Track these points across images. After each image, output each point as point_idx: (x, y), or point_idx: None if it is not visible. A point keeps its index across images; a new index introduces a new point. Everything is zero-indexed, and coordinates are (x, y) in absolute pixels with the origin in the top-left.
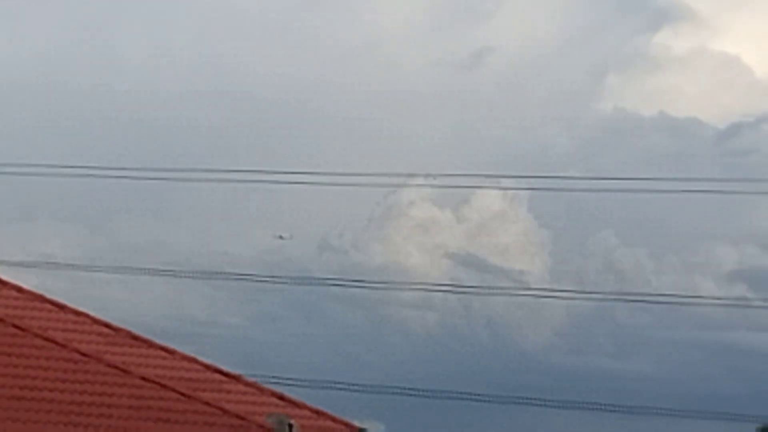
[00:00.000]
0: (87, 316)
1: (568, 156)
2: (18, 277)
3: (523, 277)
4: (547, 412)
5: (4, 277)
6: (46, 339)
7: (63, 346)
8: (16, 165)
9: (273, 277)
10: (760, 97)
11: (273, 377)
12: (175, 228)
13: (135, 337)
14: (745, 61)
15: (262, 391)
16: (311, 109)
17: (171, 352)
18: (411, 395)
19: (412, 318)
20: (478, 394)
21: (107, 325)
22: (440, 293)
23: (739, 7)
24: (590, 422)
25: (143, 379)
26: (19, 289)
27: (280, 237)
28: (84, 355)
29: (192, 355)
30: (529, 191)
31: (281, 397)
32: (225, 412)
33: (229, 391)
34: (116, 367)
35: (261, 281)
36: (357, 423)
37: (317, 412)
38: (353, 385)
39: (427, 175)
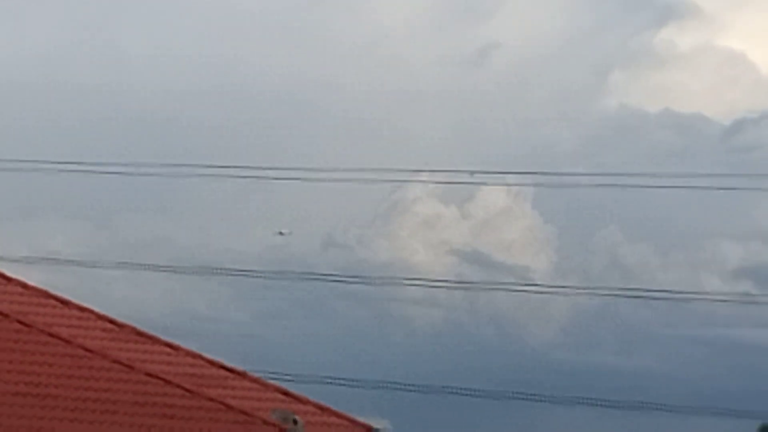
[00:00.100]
0: (91, 312)
1: (573, 152)
2: (22, 273)
3: (527, 274)
4: (551, 409)
5: (9, 273)
6: (51, 335)
7: (67, 342)
8: (19, 162)
9: (278, 273)
10: (765, 94)
11: (277, 373)
12: (180, 224)
13: (139, 333)
14: (751, 58)
15: (266, 387)
16: (315, 107)
17: (175, 348)
18: (416, 391)
19: (416, 314)
20: (483, 391)
21: (112, 321)
22: (445, 289)
23: (744, 4)
24: (595, 418)
25: (148, 375)
26: (24, 285)
27: (281, 233)
28: (88, 351)
29: (197, 351)
30: (534, 188)
31: (286, 393)
32: (230, 408)
33: (233, 387)
34: (121, 363)
35: (265, 278)
36: (362, 419)
37: (322, 408)
38: (358, 381)
39: (431, 172)
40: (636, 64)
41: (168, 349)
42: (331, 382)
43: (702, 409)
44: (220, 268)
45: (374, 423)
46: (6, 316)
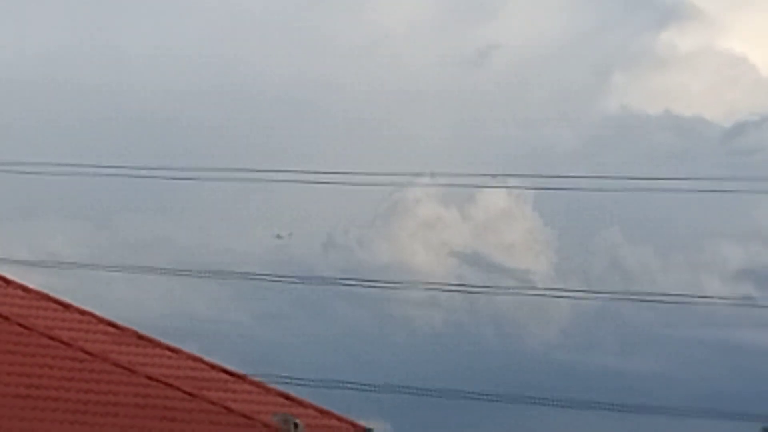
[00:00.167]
0: (92, 315)
1: (573, 154)
2: (23, 276)
3: (528, 276)
4: (552, 411)
5: (10, 276)
6: (52, 338)
7: (68, 345)
8: (20, 163)
9: (278, 275)
10: (766, 96)
11: (278, 376)
12: (180, 226)
13: (140, 336)
14: (751, 60)
15: (267, 390)
16: (315, 107)
17: (176, 351)
18: (416, 394)
19: (417, 316)
20: (484, 393)
21: (112, 324)
22: (445, 292)
23: (745, 6)
24: (595, 421)
25: (149, 378)
26: (25, 288)
27: (279, 236)
28: (89, 354)
29: (197, 354)
30: (535, 189)
31: (287, 397)
32: (230, 411)
33: (234, 391)
34: (122, 366)
35: (266, 279)
36: (362, 422)
37: (322, 412)
38: (359, 384)
39: (432, 174)
40: (636, 66)
41: (169, 352)
42: (332, 385)
43: (703, 411)
44: (221, 270)
45: (375, 425)
46: (6, 319)
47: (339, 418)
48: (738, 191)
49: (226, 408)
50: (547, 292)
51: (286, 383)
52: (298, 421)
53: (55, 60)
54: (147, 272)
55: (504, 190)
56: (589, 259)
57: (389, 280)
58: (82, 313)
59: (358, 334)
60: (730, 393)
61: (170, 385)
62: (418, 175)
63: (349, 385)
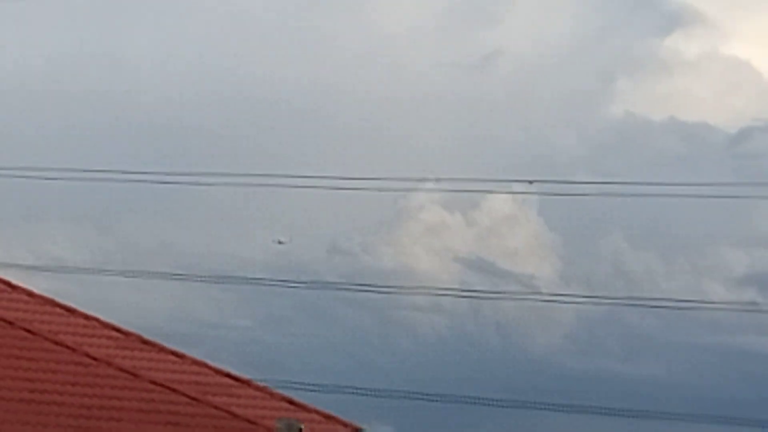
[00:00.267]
0: (97, 320)
1: (577, 160)
2: (28, 281)
3: (532, 281)
4: (556, 416)
5: (15, 281)
6: (56, 343)
7: (73, 349)
8: (24, 168)
9: (283, 280)
10: None
11: (283, 381)
12: (185, 231)
13: (145, 341)
14: (756, 66)
15: (271, 395)
16: (320, 113)
17: (181, 356)
18: (420, 399)
19: (421, 321)
20: (488, 398)
21: (117, 329)
22: (450, 297)
23: (750, 11)
24: (599, 426)
25: (153, 383)
26: (30, 293)
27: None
28: (94, 358)
29: (202, 359)
30: (539, 195)
31: (291, 401)
32: (234, 416)
33: (238, 396)
34: (126, 371)
35: (271, 284)
36: (366, 427)
37: (327, 416)
38: (363, 388)
39: (436, 179)
40: (641, 72)
41: (173, 357)
42: (336, 390)
43: (707, 416)
44: (225, 275)
45: (379, 430)
46: (11, 324)
47: (343, 423)
48: (743, 197)
49: (231, 413)
50: (552, 298)
51: (291, 388)
52: (302, 425)
53: (59, 66)
54: (151, 277)
55: (508, 195)
56: (593, 265)
57: (393, 285)
58: (87, 317)
59: (362, 339)
60: (735, 398)
61: (174, 390)
62: (422, 180)
63: (353, 390)
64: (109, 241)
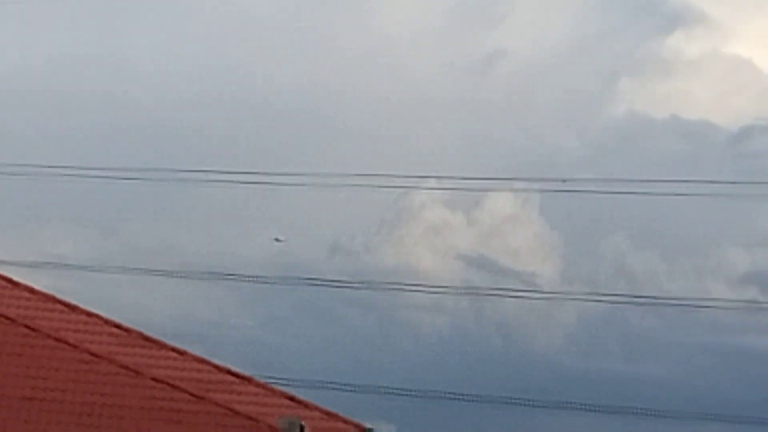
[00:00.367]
0: (98, 317)
1: (579, 159)
2: (30, 278)
3: (534, 280)
4: (557, 415)
5: (16, 278)
6: (58, 340)
7: (74, 346)
8: (27, 167)
9: (284, 279)
10: None
11: (284, 379)
12: (186, 230)
13: (146, 338)
14: (758, 65)
15: (273, 392)
16: (321, 114)
17: (182, 353)
18: (422, 397)
19: (423, 320)
20: (489, 396)
21: (118, 326)
22: (451, 295)
23: (751, 11)
24: (601, 425)
25: (154, 380)
26: (31, 290)
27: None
28: (95, 355)
29: (203, 356)
30: (541, 194)
31: (292, 399)
32: (236, 413)
33: (240, 393)
34: (127, 368)
35: (272, 283)
36: (368, 425)
37: (328, 414)
38: (364, 386)
39: (438, 178)
40: (643, 71)
41: (175, 354)
42: (337, 388)
43: (709, 416)
44: (227, 274)
45: (380, 428)
46: (13, 320)
47: (345, 421)
48: (745, 196)
49: (232, 410)
50: (553, 297)
51: (292, 386)
52: (303, 423)
53: (61, 67)
54: (153, 275)
55: (510, 194)
56: (595, 264)
57: (395, 283)
58: (89, 315)
59: (363, 337)
60: (736, 398)
61: (176, 387)
62: (424, 178)
63: (354, 388)
64: (111, 240)
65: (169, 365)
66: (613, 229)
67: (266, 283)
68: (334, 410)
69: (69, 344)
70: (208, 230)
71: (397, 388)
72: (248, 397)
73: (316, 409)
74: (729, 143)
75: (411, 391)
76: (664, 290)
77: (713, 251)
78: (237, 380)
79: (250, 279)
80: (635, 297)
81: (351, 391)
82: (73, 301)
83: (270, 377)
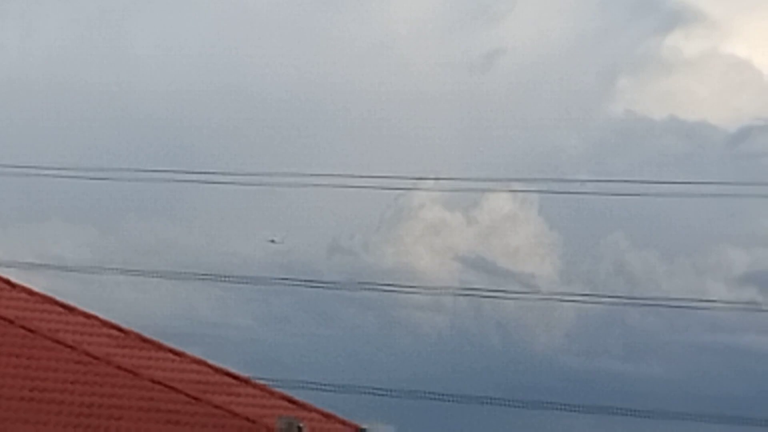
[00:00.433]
0: (96, 318)
1: (578, 158)
2: (28, 279)
3: (533, 280)
4: (557, 415)
5: (14, 280)
6: (56, 341)
7: (72, 348)
8: (25, 166)
9: (283, 279)
10: None
11: (282, 380)
12: (186, 229)
13: (144, 340)
14: (756, 65)
15: (271, 393)
16: (322, 110)
17: (180, 354)
18: (421, 398)
19: (421, 320)
20: (488, 397)
21: (117, 328)
22: (450, 296)
23: (750, 10)
24: (600, 425)
25: (152, 381)
26: (29, 291)
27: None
28: (93, 357)
29: (201, 357)
30: (540, 194)
31: (291, 400)
32: (234, 414)
33: (238, 394)
34: (125, 370)
35: (271, 283)
36: (367, 426)
37: (327, 415)
38: (363, 387)
39: (437, 178)
40: (642, 71)
41: (173, 356)
42: (336, 389)
43: (708, 415)
44: (225, 274)
45: (379, 429)
46: (11, 322)
47: (343, 422)
48: (743, 196)
49: (230, 411)
50: (552, 297)
51: (291, 387)
52: (302, 424)
53: (62, 62)
54: (152, 276)
55: (509, 194)
56: (594, 264)
57: (394, 283)
58: (87, 316)
59: (362, 338)
60: (736, 397)
61: (174, 389)
62: (422, 178)
63: (353, 389)
64: (110, 240)
65: (167, 366)
66: (612, 228)
67: (265, 283)
68: (332, 411)
69: (67, 345)
70: (206, 230)
71: (395, 389)
72: (246, 398)
73: (315, 410)
74: (727, 143)
75: (410, 391)
76: (662, 290)
77: (712, 251)
78: (235, 381)
79: (249, 279)
80: (634, 297)
81: (349, 392)
82: (71, 303)
83: (268, 378)
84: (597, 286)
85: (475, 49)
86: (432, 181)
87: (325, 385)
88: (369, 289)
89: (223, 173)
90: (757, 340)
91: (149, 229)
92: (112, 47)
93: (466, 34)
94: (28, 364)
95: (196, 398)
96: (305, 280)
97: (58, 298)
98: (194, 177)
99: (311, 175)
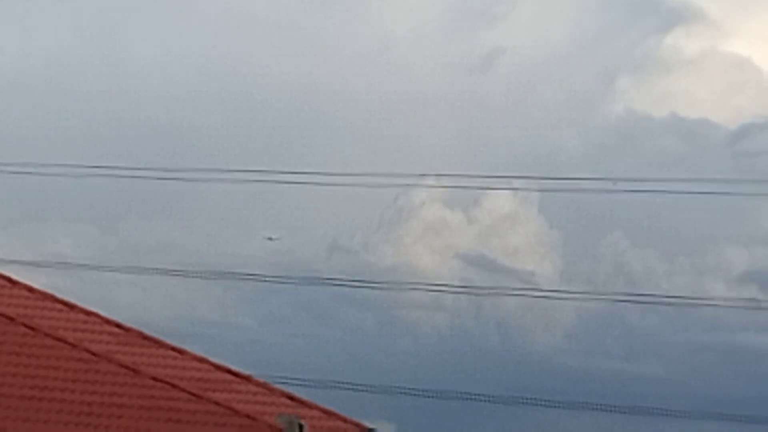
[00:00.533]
0: (97, 316)
1: (579, 157)
2: (29, 277)
3: (533, 279)
4: (556, 414)
5: (15, 277)
6: (57, 339)
7: (73, 345)
8: (26, 165)
9: (283, 277)
10: None
11: (283, 377)
12: (186, 229)
13: (145, 337)
14: (756, 63)
15: (272, 391)
16: (321, 112)
17: (181, 352)
18: (421, 396)
19: (422, 319)
20: (488, 395)
21: (118, 325)
22: (450, 294)
23: (750, 9)
24: (600, 424)
25: (153, 379)
26: (30, 289)
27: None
28: (94, 354)
29: (202, 355)
30: (540, 193)
31: (291, 398)
32: (235, 412)
33: (239, 392)
34: (127, 367)
35: (271, 282)
36: (367, 423)
37: (327, 413)
38: (363, 385)
39: (437, 176)
40: (642, 70)
41: (174, 353)
42: (336, 387)
43: (708, 414)
44: (226, 273)
45: (379, 427)
46: (12, 319)
47: (344, 419)
48: (744, 194)
49: (231, 409)
50: (552, 295)
51: (291, 384)
52: (302, 422)
53: (61, 65)
54: (153, 274)
55: (509, 192)
56: (594, 263)
57: (394, 282)
58: (88, 313)
59: (362, 336)
60: (735, 396)
61: (175, 386)
62: (423, 176)
63: (353, 387)
64: (110, 239)
65: (169, 364)
66: (611, 227)
67: (265, 281)
68: (333, 409)
69: (68, 343)
70: (207, 229)
71: (396, 387)
72: (247, 395)
73: (316, 407)
74: (728, 141)
75: (410, 389)
76: (662, 289)
77: (712, 249)
78: (236, 379)
79: (249, 277)
80: (634, 295)
81: (350, 389)
82: (72, 300)
83: (269, 376)
84: (597, 284)
85: (474, 50)
86: (432, 180)
87: (325, 382)
88: (369, 287)
89: (224, 171)
90: (756, 338)
91: (150, 227)
92: (113, 52)
93: (466, 35)
94: (29, 361)
95: (197, 395)
96: (305, 279)
97: (59, 295)
98: (195, 176)
99: (311, 173)
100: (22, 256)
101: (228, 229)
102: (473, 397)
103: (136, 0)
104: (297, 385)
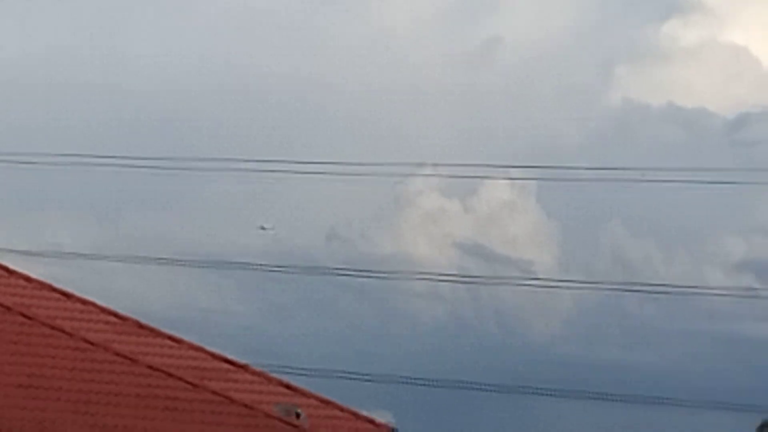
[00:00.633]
0: (94, 305)
1: (576, 147)
2: (26, 266)
3: (531, 268)
4: (554, 402)
5: (12, 266)
6: (54, 328)
7: (70, 334)
8: (25, 155)
9: (281, 267)
10: None
11: (280, 366)
12: (183, 218)
13: (142, 326)
14: (754, 52)
15: (269, 380)
16: (320, 104)
17: (178, 341)
18: (419, 385)
19: (419, 308)
20: (486, 384)
21: (114, 314)
22: (448, 283)
23: None
24: (598, 413)
25: (150, 368)
26: (27, 278)
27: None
28: (91, 343)
29: (199, 344)
30: (538, 182)
31: (288, 387)
32: (232, 401)
33: (236, 381)
34: (123, 356)
35: (269, 271)
36: (365, 412)
37: (325, 402)
38: (361, 374)
39: (434, 165)
40: (640, 59)
41: (171, 342)
42: (334, 376)
43: (705, 403)
44: (223, 262)
45: (377, 416)
46: (9, 309)
47: (341, 408)
48: (741, 183)
49: (228, 398)
50: (550, 284)
51: (288, 373)
52: (300, 410)
53: (60, 58)
54: (150, 263)
55: (507, 182)
56: (592, 252)
57: (392, 271)
58: (84, 303)
59: (360, 325)
60: (733, 385)
61: (172, 375)
62: (420, 165)
63: (351, 376)
64: (108, 228)
65: (165, 353)
66: (609, 216)
67: (263, 270)
68: (330, 398)
69: (65, 332)
70: (204, 219)
71: (393, 376)
72: (244, 384)
73: (312, 396)
74: (725, 131)
75: (407, 378)
76: (661, 278)
77: (710, 239)
78: (233, 368)
79: (247, 267)
80: (632, 285)
81: (347, 378)
82: (69, 290)
83: (266, 365)
84: (595, 274)
85: (472, 40)
86: (430, 169)
87: (323, 371)
88: (367, 276)
89: (221, 160)
90: (754, 327)
91: (147, 217)
92: (111, 45)
93: (463, 26)
94: (26, 350)
95: (194, 384)
96: (303, 267)
97: (56, 285)
98: (194, 166)
99: (309, 163)
100: (19, 246)
101: (226, 219)
102: (471, 386)
103: None
104: (294, 374)
